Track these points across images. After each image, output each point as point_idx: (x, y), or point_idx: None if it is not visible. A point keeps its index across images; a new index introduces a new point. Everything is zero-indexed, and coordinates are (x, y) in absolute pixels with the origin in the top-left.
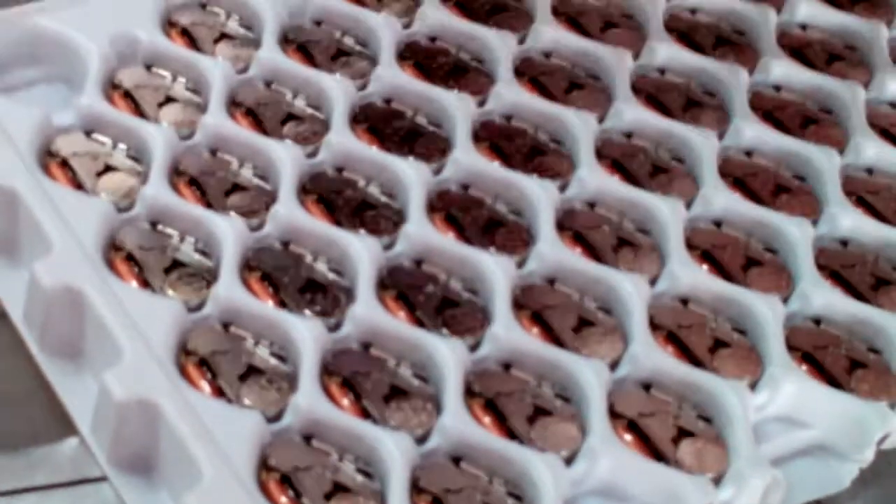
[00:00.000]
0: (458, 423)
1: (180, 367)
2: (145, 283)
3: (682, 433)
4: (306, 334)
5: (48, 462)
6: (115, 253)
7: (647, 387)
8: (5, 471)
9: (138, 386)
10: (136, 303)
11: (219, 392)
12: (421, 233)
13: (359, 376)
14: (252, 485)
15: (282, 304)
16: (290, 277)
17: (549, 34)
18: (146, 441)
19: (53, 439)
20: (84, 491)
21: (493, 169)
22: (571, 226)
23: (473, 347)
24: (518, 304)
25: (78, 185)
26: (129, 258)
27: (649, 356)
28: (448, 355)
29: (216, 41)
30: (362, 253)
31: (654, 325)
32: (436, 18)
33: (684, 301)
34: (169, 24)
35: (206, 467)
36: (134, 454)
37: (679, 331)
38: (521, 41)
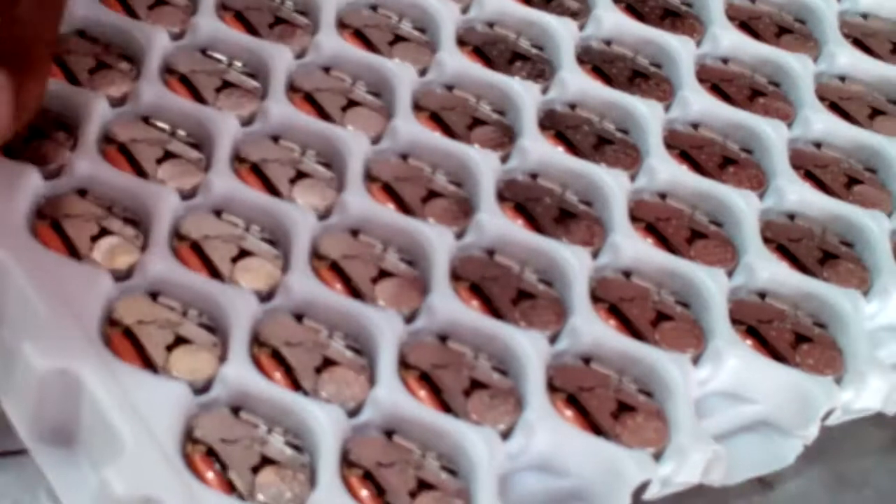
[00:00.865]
0: (391, 395)
1: (104, 335)
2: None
3: (623, 407)
4: (237, 304)
5: None
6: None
7: (587, 360)
8: None
9: (59, 355)
10: (61, 270)
11: (145, 363)
12: (357, 202)
13: (290, 347)
14: (177, 458)
15: (214, 274)
16: (220, 249)
17: (494, 4)
18: (67, 412)
19: None
20: (3, 464)
21: (434, 138)
22: (513, 196)
23: (409, 319)
24: (456, 276)
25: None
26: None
27: (590, 329)
28: (382, 326)
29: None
30: (297, 222)
31: (596, 298)
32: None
33: (627, 273)
34: None
35: (128, 439)
36: (55, 426)
37: (621, 304)
38: (465, 10)
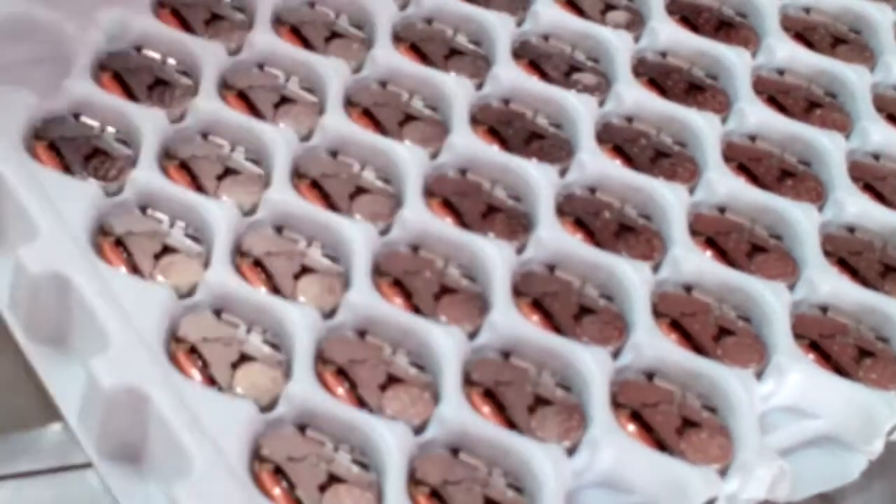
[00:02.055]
0: (456, 412)
1: (170, 354)
2: (135, 269)
3: (687, 423)
4: (300, 321)
5: (31, 448)
6: (104, 238)
7: (650, 375)
8: None
9: (127, 374)
10: (125, 288)
11: (210, 381)
12: (417, 218)
13: (354, 364)
14: (245, 476)
15: (275, 290)
16: (282, 265)
17: (548, 16)
18: (134, 430)
19: (37, 425)
20: (68, 478)
21: (492, 153)
22: (572, 211)
23: (472, 335)
24: (517, 291)
25: (66, 169)
26: (118, 243)
27: (653, 344)
28: (446, 343)
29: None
30: (356, 237)
31: (658, 313)
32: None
33: (688, 288)
34: (160, 5)
35: (196, 458)
36: (122, 443)
37: (682, 318)
38: (519, 23)
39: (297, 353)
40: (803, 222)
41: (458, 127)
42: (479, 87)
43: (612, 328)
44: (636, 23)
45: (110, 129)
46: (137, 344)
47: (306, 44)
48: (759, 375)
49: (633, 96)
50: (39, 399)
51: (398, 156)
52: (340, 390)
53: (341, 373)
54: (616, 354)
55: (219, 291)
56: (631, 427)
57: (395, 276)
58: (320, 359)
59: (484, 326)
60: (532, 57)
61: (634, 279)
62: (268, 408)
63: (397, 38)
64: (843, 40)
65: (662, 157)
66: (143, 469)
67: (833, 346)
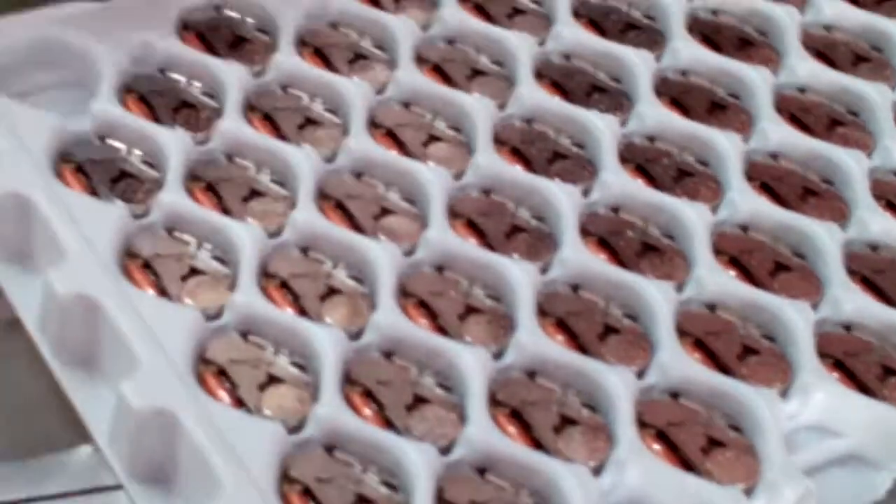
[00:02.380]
0: (483, 433)
1: (199, 376)
2: (162, 291)
3: (712, 443)
4: (327, 343)
5: (61, 470)
6: (131, 260)
7: (675, 395)
8: (18, 478)
9: (156, 395)
10: (153, 311)
11: (238, 402)
12: (441, 239)
13: (381, 385)
14: (273, 497)
15: (301, 311)
16: (308, 286)
17: (572, 35)
18: (164, 451)
19: (66, 447)
20: (98, 500)
21: (515, 173)
22: (595, 231)
23: (497, 355)
24: (542, 312)
25: (92, 191)
26: (146, 265)
27: (677, 364)
28: (472, 363)
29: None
30: (381, 258)
31: (682, 332)
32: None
33: (712, 307)
34: (184, 28)
35: (226, 479)
36: (151, 464)
37: (707, 338)
38: (542, 43)
39: (325, 374)
40: (826, 241)
41: (482, 147)
42: (502, 107)
43: (636, 348)
44: (659, 42)
45: (136, 152)
46: (166, 366)
47: (330, 66)
48: (783, 394)
49: (655, 116)
50: (68, 420)
51: (422, 176)
52: (367, 411)
53: (368, 394)
54: (641, 374)
55: (246, 313)
56: (656, 447)
57: (420, 296)
58: (347, 380)
59: (509, 347)
60: (554, 77)
61: (658, 299)
62: (295, 429)
63: (420, 59)
64: (865, 58)
65: (685, 176)
66: (172, 491)
67: (857, 364)
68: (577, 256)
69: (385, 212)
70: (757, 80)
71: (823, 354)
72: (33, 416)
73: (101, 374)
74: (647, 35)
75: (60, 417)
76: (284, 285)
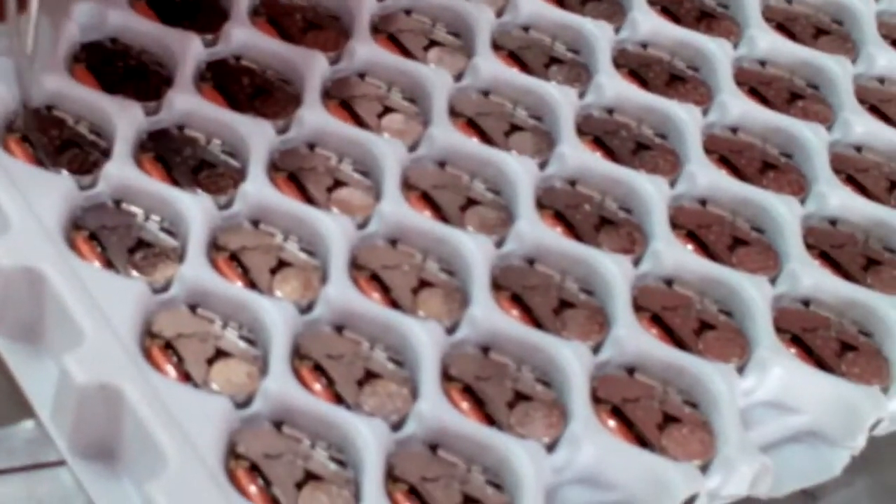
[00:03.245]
0: (435, 408)
1: (145, 350)
2: (108, 264)
3: (668, 419)
4: (277, 316)
5: (2, 446)
6: (77, 232)
7: (630, 371)
8: None
9: (101, 369)
10: (98, 283)
11: (185, 377)
12: (395, 211)
13: (332, 360)
14: (220, 473)
15: (251, 284)
16: (258, 259)
17: (530, 6)
18: (108, 427)
19: (8, 422)
20: (40, 476)
21: (471, 145)
22: (552, 204)
23: (451, 330)
24: (497, 285)
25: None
26: (92, 238)
27: (633, 339)
28: (424, 338)
29: None
30: (333, 230)
31: (638, 307)
32: None
33: (669, 282)
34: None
35: (171, 455)
36: (95, 440)
37: (664, 313)
38: (499, 14)
39: (274, 348)
40: (785, 215)
41: (437, 119)
42: (459, 78)
43: (592, 322)
44: (617, 14)
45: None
46: (111, 339)
47: (283, 35)
48: (740, 370)
49: (613, 88)
50: (11, 396)
51: (376, 148)
52: (318, 386)
53: (318, 368)
54: (596, 349)
55: (194, 286)
56: (611, 422)
57: (372, 270)
58: (297, 354)
59: (463, 321)
60: (512, 48)
61: (615, 273)
62: (244, 404)
63: (376, 30)
64: (825, 31)
65: (643, 149)
66: (117, 467)
67: (815, 340)
68: (533, 230)
69: (338, 184)
70: (717, 53)
71: (781, 330)
72: None
73: (45, 347)
74: (607, 6)
75: (2, 392)
76: (234, 258)
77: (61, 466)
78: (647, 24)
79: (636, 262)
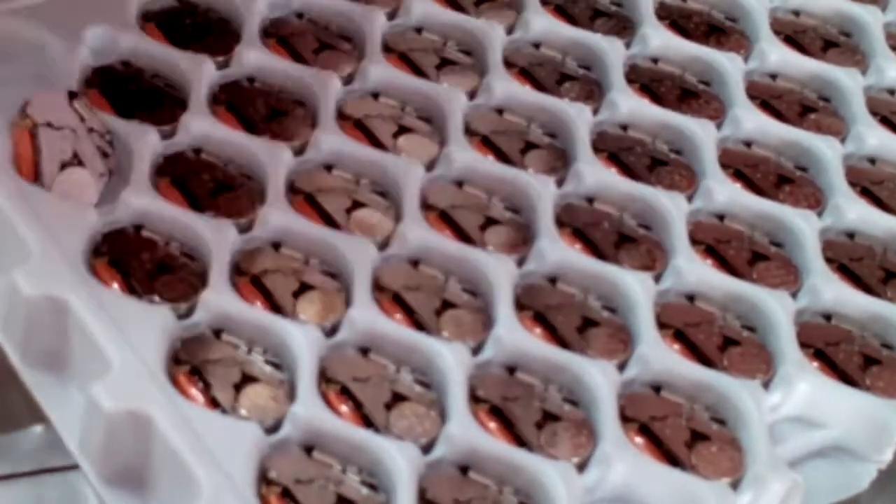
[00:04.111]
0: (464, 430)
1: (171, 376)
2: (131, 290)
3: (696, 436)
4: (302, 340)
5: (11, 450)
6: (98, 260)
7: (657, 388)
8: None
9: (129, 397)
10: (123, 310)
11: (213, 403)
12: (417, 233)
13: (358, 383)
14: (253, 499)
15: (275, 308)
16: (281, 282)
17: (540, 23)
18: (138, 454)
19: (17, 427)
20: (49, 480)
21: (488, 164)
22: (570, 222)
23: (476, 350)
24: (520, 305)
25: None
26: (114, 265)
27: (658, 357)
28: (450, 359)
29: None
30: (355, 252)
31: (661, 324)
32: None
33: (691, 298)
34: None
35: (204, 482)
36: (125, 468)
37: (686, 329)
38: (510, 31)
39: (301, 372)
40: (804, 229)
41: (454, 138)
42: (472, 96)
43: (616, 340)
44: (628, 30)
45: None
46: (138, 366)
47: (294, 56)
48: (766, 386)
49: (627, 104)
50: (21, 401)
51: (394, 168)
52: (345, 409)
53: (345, 392)
54: (621, 367)
55: (218, 311)
56: (639, 440)
57: (395, 291)
58: (323, 377)
59: (488, 341)
60: (523, 65)
61: (637, 290)
62: (272, 429)
63: (388, 49)
64: (834, 43)
65: (659, 165)
66: (147, 495)
67: (838, 354)
68: (554, 248)
69: (357, 204)
70: (728, 67)
71: (804, 344)
72: None
73: (71, 376)
74: (616, 22)
75: (11, 397)
76: (256, 282)
77: (70, 471)
78: (658, 39)
79: (657, 279)
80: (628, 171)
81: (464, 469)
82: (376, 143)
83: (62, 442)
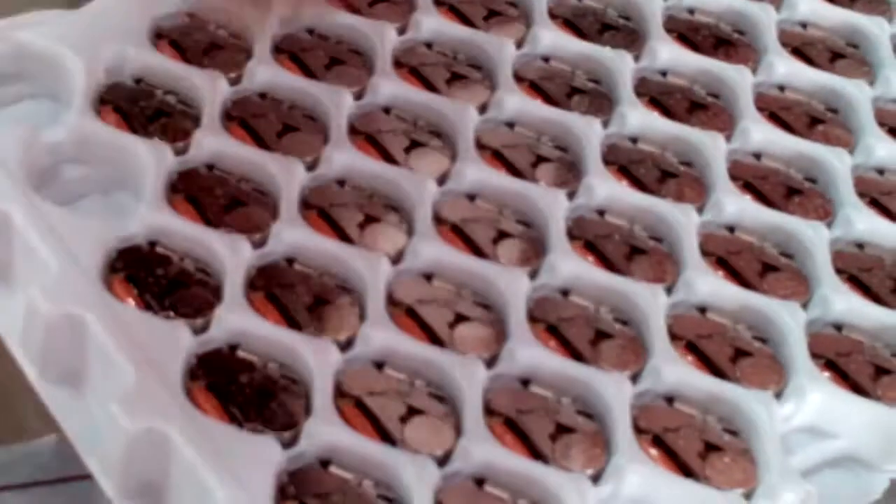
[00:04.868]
0: (479, 443)
1: (187, 391)
2: (147, 306)
3: (709, 447)
4: (316, 355)
5: (25, 460)
6: (114, 274)
7: (669, 400)
8: None
9: (148, 413)
10: (140, 326)
11: (229, 417)
12: (430, 247)
13: (373, 397)
14: None
15: (290, 323)
16: (296, 296)
17: (549, 37)
18: (156, 470)
19: (31, 437)
20: (63, 490)
21: (500, 178)
22: (582, 235)
23: (490, 363)
24: (532, 318)
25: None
26: (128, 279)
27: (672, 368)
28: (465, 372)
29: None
30: (368, 267)
31: (673, 336)
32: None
33: (702, 310)
34: (157, 37)
35: (220, 496)
36: (144, 483)
37: (699, 341)
38: (519, 45)
39: (316, 386)
40: (814, 240)
41: (464, 152)
42: (483, 111)
43: (629, 353)
44: (636, 43)
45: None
46: (156, 381)
47: (305, 72)
48: (778, 397)
49: (636, 117)
50: (34, 410)
51: (405, 183)
52: (361, 424)
53: (360, 405)
54: (635, 379)
55: (233, 327)
56: (653, 452)
57: (409, 305)
58: (339, 392)
59: (502, 354)
60: (533, 79)
61: (650, 302)
62: (289, 444)
63: (398, 64)
64: (842, 55)
65: (669, 177)
66: None
67: (849, 364)
68: (566, 261)
69: (369, 219)
70: (737, 79)
71: (815, 355)
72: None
73: (88, 391)
74: (624, 35)
75: (25, 406)
76: (271, 297)
77: (83, 481)
78: (666, 52)
79: (669, 291)
80: (639, 183)
81: (479, 481)
82: (388, 158)
83: (76, 453)
